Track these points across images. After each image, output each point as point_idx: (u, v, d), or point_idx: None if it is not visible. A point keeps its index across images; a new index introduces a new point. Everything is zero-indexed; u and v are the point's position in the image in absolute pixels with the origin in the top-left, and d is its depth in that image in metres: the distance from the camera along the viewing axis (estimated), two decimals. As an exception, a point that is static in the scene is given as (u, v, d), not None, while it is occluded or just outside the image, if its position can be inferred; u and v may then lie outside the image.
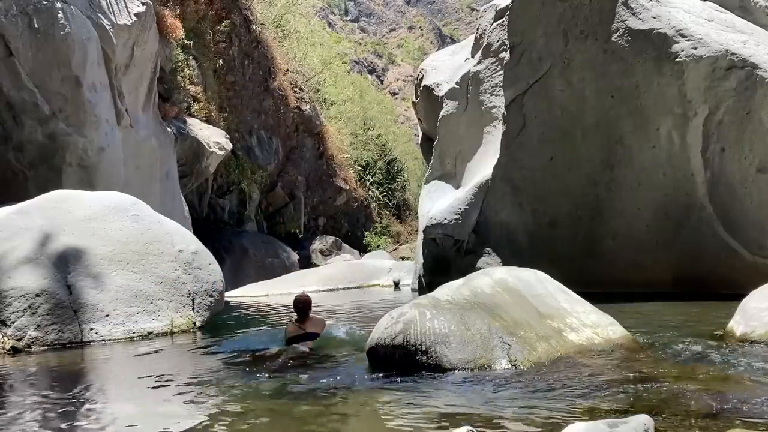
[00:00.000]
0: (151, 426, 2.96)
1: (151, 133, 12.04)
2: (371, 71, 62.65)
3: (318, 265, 18.29)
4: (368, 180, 31.30)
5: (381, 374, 3.75)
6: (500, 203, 9.46)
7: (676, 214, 8.17)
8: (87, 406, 3.33)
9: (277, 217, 22.68)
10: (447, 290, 4.27)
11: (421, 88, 12.42)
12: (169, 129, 13.26)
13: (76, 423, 2.99)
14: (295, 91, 23.66)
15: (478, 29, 11.33)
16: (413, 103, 13.71)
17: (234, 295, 11.74)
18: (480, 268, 7.09)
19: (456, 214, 10.02)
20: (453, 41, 50.17)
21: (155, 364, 4.58)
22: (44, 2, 8.95)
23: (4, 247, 5.52)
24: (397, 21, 74.19)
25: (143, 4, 11.00)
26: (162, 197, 11.71)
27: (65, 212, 6.15)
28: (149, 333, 5.67)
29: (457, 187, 10.83)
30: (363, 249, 26.48)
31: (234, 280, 13.97)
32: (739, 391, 3.12)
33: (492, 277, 4.43)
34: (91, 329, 5.39)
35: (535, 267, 4.84)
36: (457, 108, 11.09)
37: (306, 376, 3.87)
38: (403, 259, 20.65)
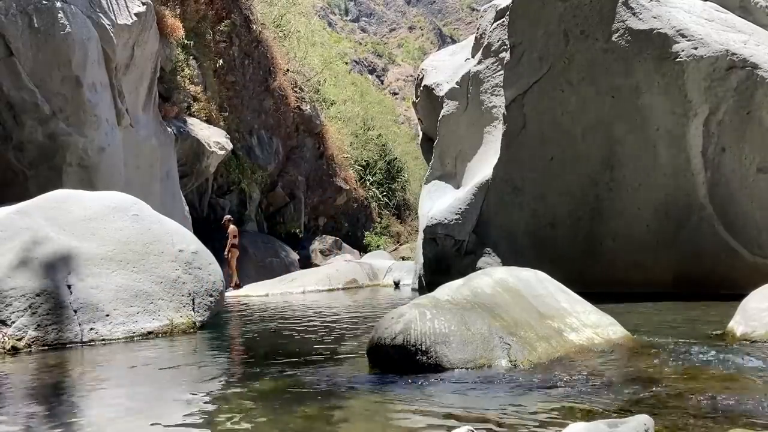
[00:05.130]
0: (151, 425, 2.96)
1: (151, 132, 12.04)
2: (371, 71, 62.67)
3: (318, 265, 18.30)
4: (368, 180, 31.30)
5: (381, 374, 3.75)
6: (500, 203, 9.47)
7: (676, 214, 8.17)
8: (87, 405, 3.33)
9: (278, 217, 22.68)
10: (447, 290, 4.27)
11: (421, 88, 12.43)
12: (169, 129, 13.27)
13: (77, 422, 2.99)
14: (296, 91, 23.66)
15: (478, 29, 11.34)
16: (413, 103, 13.72)
17: (234, 295, 11.74)
18: (480, 268, 7.09)
19: (456, 214, 10.03)
20: (453, 41, 50.23)
21: (155, 363, 4.58)
22: (44, 2, 8.95)
23: (4, 247, 5.52)
24: (397, 21, 74.19)
25: (143, 3, 11.00)
26: (162, 197, 11.72)
27: (65, 212, 6.14)
28: (149, 333, 5.67)
29: (458, 187, 10.84)
30: (363, 249, 26.48)
31: (234, 279, 13.95)
32: (739, 391, 3.12)
33: (492, 277, 4.43)
34: (92, 329, 5.39)
35: (535, 267, 4.84)
36: (457, 108, 11.10)
37: (306, 376, 3.87)
38: (403, 259, 20.66)
